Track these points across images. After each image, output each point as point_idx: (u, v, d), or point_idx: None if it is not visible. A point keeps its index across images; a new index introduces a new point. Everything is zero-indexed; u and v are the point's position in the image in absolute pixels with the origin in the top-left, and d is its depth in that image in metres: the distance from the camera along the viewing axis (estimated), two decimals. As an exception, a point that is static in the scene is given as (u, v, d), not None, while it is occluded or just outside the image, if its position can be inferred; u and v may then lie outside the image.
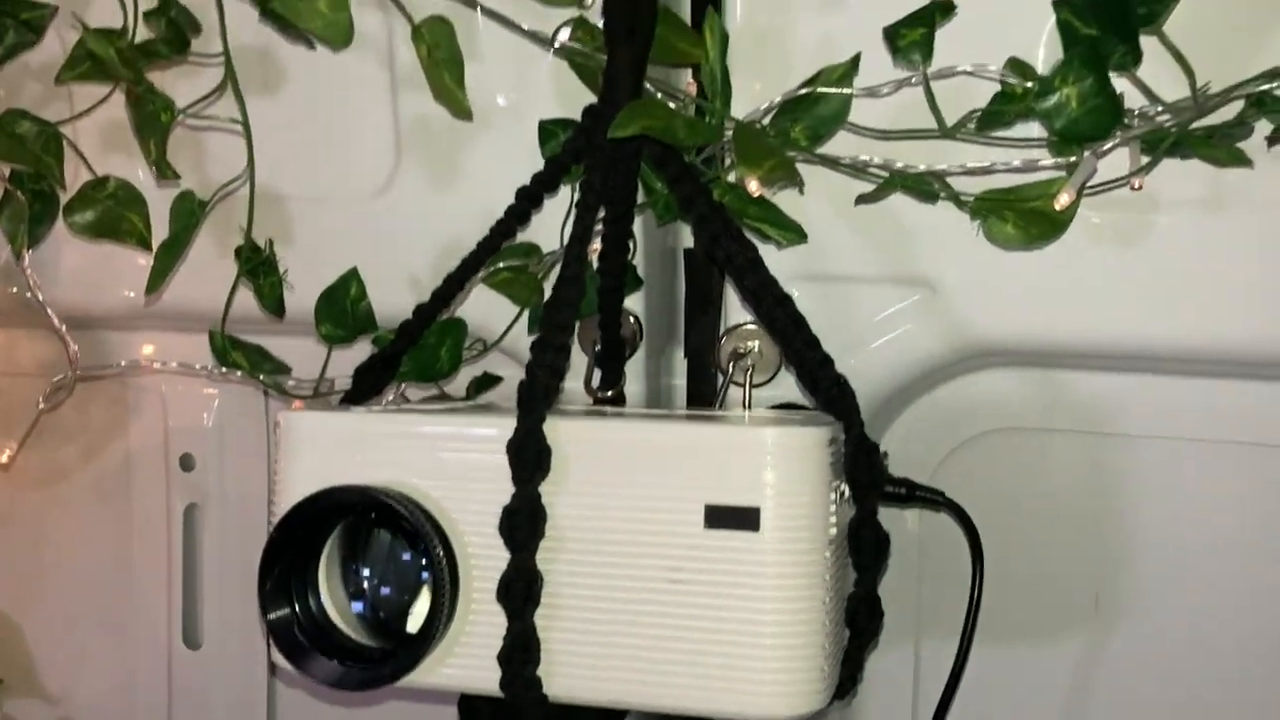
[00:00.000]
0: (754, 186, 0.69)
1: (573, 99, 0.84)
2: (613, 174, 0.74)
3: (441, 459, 0.67)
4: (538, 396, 0.65)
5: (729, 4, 0.84)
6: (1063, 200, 0.67)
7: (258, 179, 0.85)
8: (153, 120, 0.73)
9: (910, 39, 0.70)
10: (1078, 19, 0.69)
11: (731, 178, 0.77)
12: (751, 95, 0.83)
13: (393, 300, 0.94)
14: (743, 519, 0.62)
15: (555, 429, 0.65)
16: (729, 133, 0.75)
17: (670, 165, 0.75)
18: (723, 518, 0.62)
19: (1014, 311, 0.82)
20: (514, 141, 0.88)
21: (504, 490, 0.64)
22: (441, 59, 0.78)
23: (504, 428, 0.65)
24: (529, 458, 0.64)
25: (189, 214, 0.78)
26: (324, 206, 0.96)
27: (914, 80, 0.71)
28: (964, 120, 0.71)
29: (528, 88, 0.87)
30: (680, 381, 0.96)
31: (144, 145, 0.76)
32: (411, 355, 0.80)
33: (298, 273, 0.92)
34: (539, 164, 0.85)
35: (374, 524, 0.70)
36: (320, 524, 0.68)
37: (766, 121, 0.75)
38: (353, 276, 0.88)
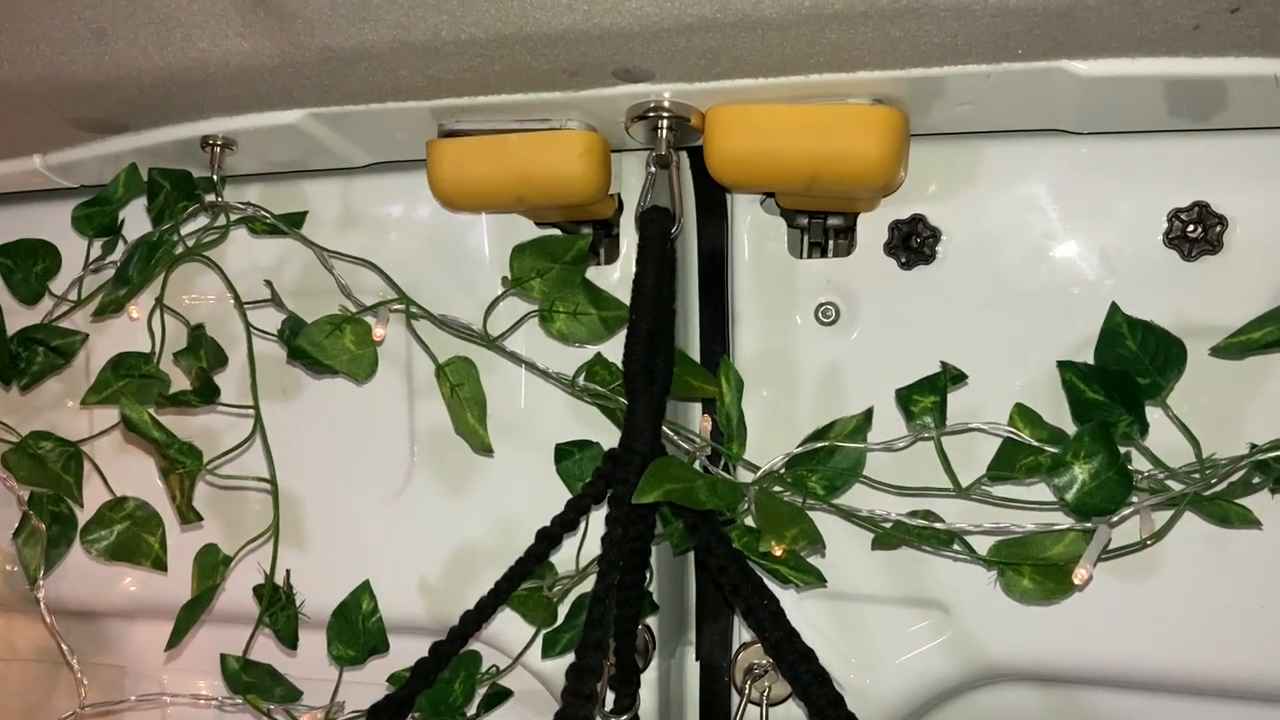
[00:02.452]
0: (778, 551, 0.70)
1: (588, 412, 0.86)
2: (633, 523, 0.75)
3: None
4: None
5: (736, 328, 0.87)
6: (1080, 575, 0.67)
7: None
8: (180, 472, 0.74)
9: (923, 406, 0.72)
10: (1082, 382, 0.71)
11: (750, 521, 0.78)
12: (760, 400, 0.85)
13: (403, 605, 0.94)
14: None
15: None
16: (749, 483, 0.76)
17: (688, 513, 0.76)
18: None
19: (1026, 634, 0.82)
20: (528, 450, 0.89)
21: None
22: (464, 397, 0.80)
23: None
24: None
25: (212, 569, 0.78)
26: (338, 510, 0.96)
27: (927, 436, 0.73)
28: (978, 482, 0.72)
29: (542, 399, 0.89)
30: (693, 682, 0.95)
31: (170, 492, 0.76)
32: (426, 693, 0.79)
33: (310, 576, 0.92)
34: (551, 474, 0.86)
35: None
36: None
37: (783, 470, 0.76)
38: (364, 591, 0.87)
